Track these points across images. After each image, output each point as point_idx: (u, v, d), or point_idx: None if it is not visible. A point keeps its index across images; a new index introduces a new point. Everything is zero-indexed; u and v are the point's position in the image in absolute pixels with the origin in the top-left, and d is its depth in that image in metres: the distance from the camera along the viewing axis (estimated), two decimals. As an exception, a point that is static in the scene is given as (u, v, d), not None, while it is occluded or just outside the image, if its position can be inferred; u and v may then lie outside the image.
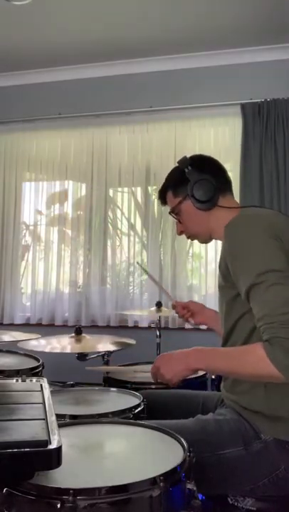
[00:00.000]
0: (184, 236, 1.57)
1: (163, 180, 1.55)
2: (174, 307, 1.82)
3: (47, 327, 3.62)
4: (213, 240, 1.53)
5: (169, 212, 1.55)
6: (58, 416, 1.27)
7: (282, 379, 1.09)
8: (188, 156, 1.48)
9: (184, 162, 1.45)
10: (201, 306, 1.81)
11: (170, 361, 1.29)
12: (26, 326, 3.62)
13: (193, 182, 1.42)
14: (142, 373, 1.53)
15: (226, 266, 1.29)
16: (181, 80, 3.59)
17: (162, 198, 1.56)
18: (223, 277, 1.33)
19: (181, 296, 3.48)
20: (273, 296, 1.14)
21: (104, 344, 1.96)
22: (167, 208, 1.57)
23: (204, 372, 2.00)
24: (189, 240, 1.74)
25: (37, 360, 1.92)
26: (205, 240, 1.54)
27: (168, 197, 1.53)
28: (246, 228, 1.26)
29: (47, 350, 1.84)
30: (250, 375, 1.20)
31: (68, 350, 1.83)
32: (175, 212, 1.51)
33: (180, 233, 1.56)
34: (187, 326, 1.84)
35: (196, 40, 3.37)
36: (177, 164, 1.47)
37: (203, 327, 1.85)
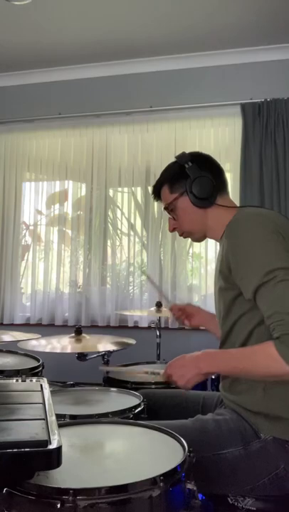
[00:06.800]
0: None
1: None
2: (171, 309, 1.82)
3: (47, 327, 3.62)
4: (214, 240, 1.52)
5: (164, 208, 1.52)
6: (58, 416, 1.28)
7: None
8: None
9: (184, 158, 1.43)
10: (197, 309, 1.80)
11: (181, 368, 1.28)
12: (26, 326, 3.62)
13: (193, 178, 1.40)
14: (152, 375, 1.49)
15: (227, 265, 1.27)
16: (181, 80, 3.59)
17: (156, 192, 1.52)
18: (224, 278, 1.31)
19: (181, 296, 3.48)
20: (282, 293, 1.13)
21: (104, 344, 1.96)
22: (167, 207, 1.56)
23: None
24: (189, 240, 1.73)
25: (37, 360, 1.92)
26: (198, 238, 1.52)
27: (163, 192, 1.50)
28: (250, 227, 1.26)
29: (47, 350, 1.84)
30: (263, 375, 1.19)
31: (68, 350, 1.82)
32: (170, 208, 1.48)
33: (172, 230, 1.52)
34: (185, 327, 1.84)
35: (196, 40, 3.36)
36: (175, 159, 1.46)
37: (203, 327, 1.85)
